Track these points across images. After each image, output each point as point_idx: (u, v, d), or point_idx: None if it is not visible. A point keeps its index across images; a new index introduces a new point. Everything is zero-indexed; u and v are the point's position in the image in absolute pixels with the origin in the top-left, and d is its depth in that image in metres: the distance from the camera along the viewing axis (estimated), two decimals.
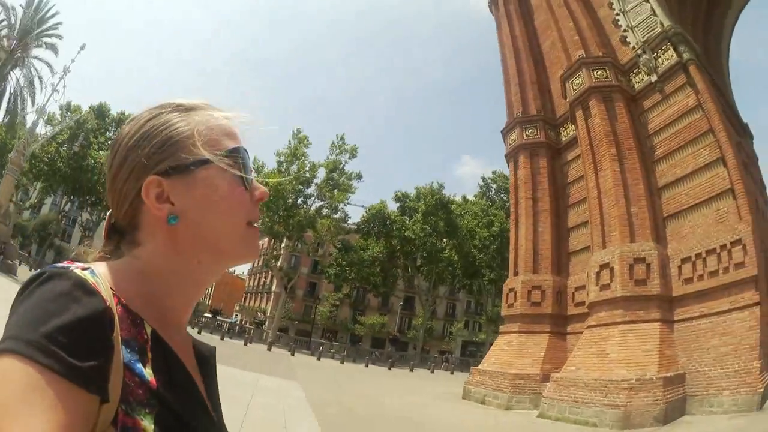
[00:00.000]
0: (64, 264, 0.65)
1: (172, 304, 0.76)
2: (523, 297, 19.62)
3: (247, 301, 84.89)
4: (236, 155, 0.79)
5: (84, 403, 0.54)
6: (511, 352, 18.99)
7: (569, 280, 19.44)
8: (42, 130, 33.41)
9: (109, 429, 0.57)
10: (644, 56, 17.20)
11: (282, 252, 59.73)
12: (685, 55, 16.13)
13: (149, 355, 0.66)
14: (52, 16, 43.36)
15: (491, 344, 23.65)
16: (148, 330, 0.68)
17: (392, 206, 49.12)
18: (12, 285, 17.02)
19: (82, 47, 27.49)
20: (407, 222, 46.54)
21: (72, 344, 0.54)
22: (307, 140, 42.41)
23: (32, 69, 43.44)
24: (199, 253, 0.76)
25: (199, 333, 33.16)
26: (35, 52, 43.17)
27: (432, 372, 39.01)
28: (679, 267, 14.43)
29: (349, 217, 47.65)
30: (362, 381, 24.20)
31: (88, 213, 54.76)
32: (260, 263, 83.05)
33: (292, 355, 33.77)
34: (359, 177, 43.94)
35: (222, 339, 33.75)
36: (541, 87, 23.35)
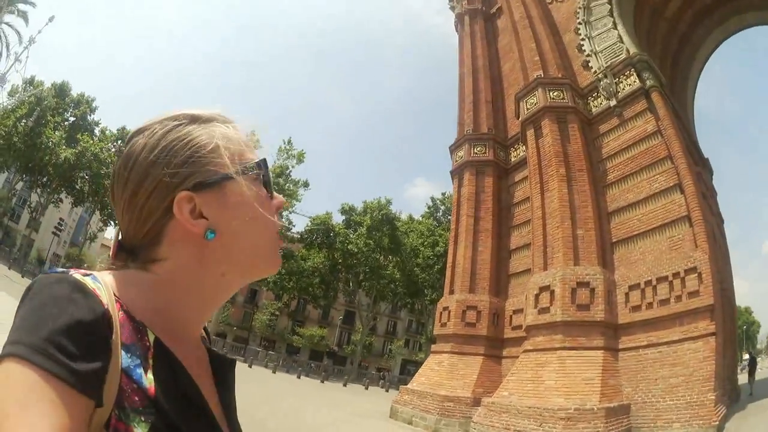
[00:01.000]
0: (65, 269, 0.62)
1: (186, 316, 0.73)
2: (458, 317, 18.12)
3: None
4: (261, 166, 0.79)
5: (81, 406, 0.52)
6: (442, 372, 17.36)
7: (507, 303, 18.15)
8: (3, 100, 31.07)
9: None
10: (605, 80, 16.30)
11: None
12: (649, 82, 15.33)
13: (150, 362, 0.63)
14: None
15: None
16: (151, 338, 0.65)
17: (338, 218, 46.92)
18: None
19: (51, 19, 25.80)
20: (351, 235, 44.52)
21: (69, 346, 0.52)
22: (259, 144, 40.15)
23: (1, 34, 40.67)
24: (227, 266, 0.73)
25: None
26: (6, 18, 40.48)
27: (366, 388, 36.94)
28: (627, 294, 13.30)
29: (294, 225, 45.75)
30: (289, 392, 22.13)
31: (37, 194, 50.47)
32: None
33: None
34: (306, 185, 42.34)
35: None
36: (496, 107, 22.35)
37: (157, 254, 0.71)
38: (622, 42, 16.49)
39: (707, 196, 16.61)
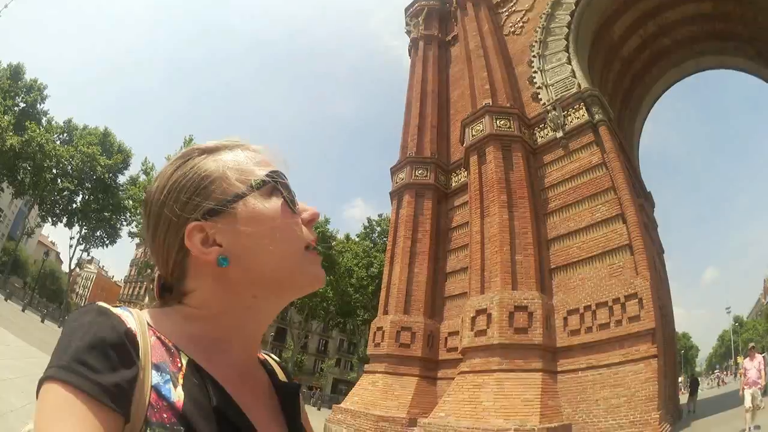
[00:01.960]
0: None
1: (224, 340, 0.71)
2: (392, 337, 17.27)
3: None
4: (273, 179, 0.72)
5: (108, 418, 0.53)
6: (376, 392, 16.39)
7: (443, 325, 17.50)
8: None
9: None
10: (553, 113, 16.21)
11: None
12: (597, 116, 15.32)
13: (181, 381, 0.62)
14: None
15: None
16: (184, 360, 0.64)
17: None
18: None
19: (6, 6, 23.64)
20: None
21: (92, 361, 0.54)
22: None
23: None
24: (255, 288, 0.69)
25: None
26: None
27: None
28: (565, 318, 12.93)
29: None
30: None
31: None
32: (134, 272, 75.16)
33: None
34: None
35: None
36: (440, 133, 21.98)
37: (186, 287, 0.70)
38: (574, 77, 16.51)
39: (649, 227, 16.65)
